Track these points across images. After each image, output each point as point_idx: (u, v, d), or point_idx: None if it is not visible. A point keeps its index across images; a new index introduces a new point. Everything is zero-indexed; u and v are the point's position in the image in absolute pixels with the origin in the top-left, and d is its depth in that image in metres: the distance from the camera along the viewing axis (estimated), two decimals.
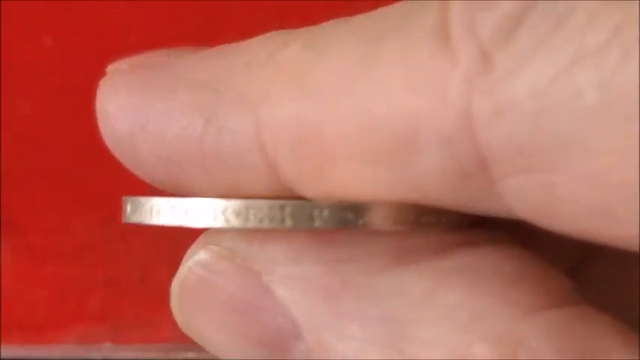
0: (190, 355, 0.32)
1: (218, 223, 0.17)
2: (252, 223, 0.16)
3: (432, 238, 0.17)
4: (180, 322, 0.18)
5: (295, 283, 0.17)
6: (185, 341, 0.32)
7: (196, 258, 0.18)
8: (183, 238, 0.32)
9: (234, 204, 0.16)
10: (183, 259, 0.18)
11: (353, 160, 0.16)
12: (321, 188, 0.16)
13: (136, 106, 0.18)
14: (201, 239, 0.18)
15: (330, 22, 0.17)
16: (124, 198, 0.18)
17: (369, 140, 0.15)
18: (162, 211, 0.17)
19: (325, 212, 0.16)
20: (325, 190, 0.16)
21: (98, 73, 0.31)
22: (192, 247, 0.18)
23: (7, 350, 0.32)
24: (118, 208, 0.32)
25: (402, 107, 0.15)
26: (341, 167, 0.16)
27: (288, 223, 0.16)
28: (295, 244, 0.17)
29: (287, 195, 0.17)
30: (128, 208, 0.18)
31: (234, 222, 0.16)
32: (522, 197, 0.15)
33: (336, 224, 0.16)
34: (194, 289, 0.18)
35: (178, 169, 0.17)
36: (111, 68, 0.19)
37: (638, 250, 0.14)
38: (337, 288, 0.17)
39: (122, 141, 0.18)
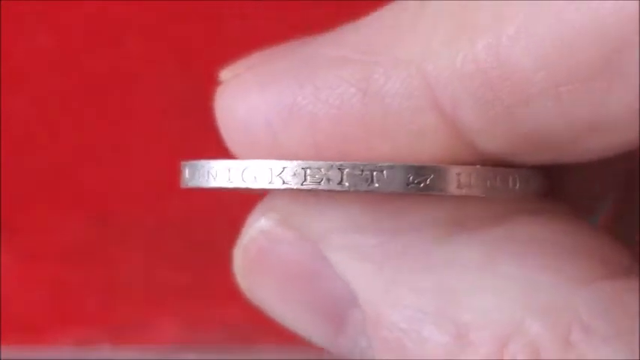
0: (191, 356, 0.32)
1: (275, 184, 0.16)
2: (309, 185, 0.16)
3: (486, 206, 0.16)
4: (243, 289, 0.18)
5: (351, 253, 0.17)
6: (185, 342, 0.32)
7: (257, 226, 0.18)
8: (183, 238, 0.32)
9: (291, 164, 0.16)
10: (245, 226, 0.18)
11: (552, 91, 0.15)
12: (510, 133, 0.15)
13: (276, 94, 0.17)
14: (261, 206, 0.18)
15: None
16: (182, 163, 0.18)
17: (569, 61, 0.14)
18: (218, 174, 0.17)
19: (385, 173, 0.16)
20: (515, 134, 0.15)
21: (97, 73, 0.31)
22: (254, 214, 0.18)
23: (7, 352, 0.31)
24: (118, 209, 0.32)
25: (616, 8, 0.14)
26: (536, 103, 0.15)
27: (346, 184, 0.16)
28: (351, 213, 0.17)
29: (466, 154, 0.16)
30: (186, 172, 0.18)
31: (291, 183, 0.16)
32: None
33: (396, 187, 0.16)
34: (255, 257, 0.18)
35: (333, 151, 0.17)
36: (225, 74, 0.18)
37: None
38: (392, 258, 0.16)
39: (259, 136, 0.17)
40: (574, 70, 0.14)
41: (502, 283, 0.16)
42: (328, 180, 0.16)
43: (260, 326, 0.31)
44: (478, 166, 0.16)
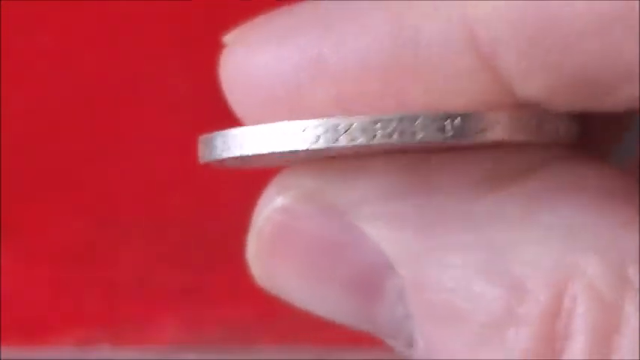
0: (191, 356, 0.31)
1: (342, 142, 0.15)
2: (379, 139, 0.15)
3: (518, 158, 0.16)
4: (258, 277, 0.18)
5: (385, 221, 0.16)
6: (185, 342, 0.32)
7: (274, 205, 0.17)
8: (183, 238, 0.32)
9: (360, 119, 0.15)
10: (256, 211, 0.17)
11: (599, 31, 0.14)
12: (551, 76, 0.15)
13: (297, 46, 0.16)
14: (275, 185, 0.17)
15: None
16: (210, 134, 0.16)
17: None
18: (272, 138, 0.15)
19: (458, 122, 0.15)
20: (556, 77, 0.15)
21: (97, 72, 0.31)
22: (266, 196, 0.17)
23: (6, 352, 0.31)
24: (118, 209, 0.32)
25: None
26: (582, 44, 0.15)
27: (419, 136, 0.15)
28: (380, 180, 0.16)
29: (501, 100, 0.15)
30: (219, 142, 0.16)
31: (360, 139, 0.15)
32: None
33: (468, 137, 0.15)
34: (273, 237, 0.17)
35: (362, 102, 0.16)
36: (230, 38, 0.17)
37: None
38: (431, 220, 0.16)
39: (279, 94, 0.16)
40: (623, 9, 0.14)
41: (549, 231, 0.16)
42: (401, 133, 0.15)
43: (260, 326, 0.31)
44: (538, 110, 0.15)
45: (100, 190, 0.32)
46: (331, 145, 0.15)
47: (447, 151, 0.16)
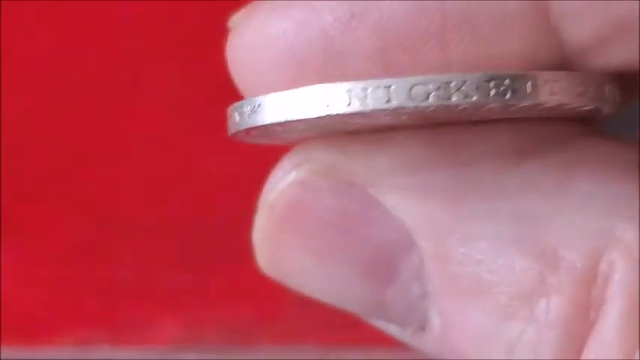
0: (191, 356, 0.31)
1: (455, 100, 0.14)
2: (493, 98, 0.14)
3: (546, 131, 0.16)
4: (263, 259, 0.17)
5: (411, 192, 0.16)
6: (185, 342, 0.32)
7: (289, 179, 0.16)
8: (183, 238, 0.32)
9: (473, 76, 0.14)
10: (268, 186, 0.17)
11: None
12: (602, 15, 0.14)
13: (330, 6, 0.15)
14: (287, 161, 0.17)
15: None
16: (272, 96, 0.15)
17: None
18: (370, 95, 0.14)
19: (561, 84, 0.15)
20: (606, 17, 0.14)
21: (97, 73, 0.31)
22: (279, 170, 0.17)
23: (6, 352, 0.31)
24: (118, 209, 0.32)
25: None
26: None
27: (531, 95, 0.14)
28: (404, 153, 0.16)
29: (548, 49, 0.15)
30: (293, 102, 0.15)
31: (475, 97, 0.14)
32: None
33: (568, 99, 0.15)
34: (287, 213, 0.16)
35: (405, 53, 0.15)
36: (237, 17, 0.16)
37: None
38: (457, 191, 0.16)
39: (312, 54, 0.15)
40: None
41: (585, 200, 0.15)
42: (514, 91, 0.14)
43: (260, 326, 0.31)
44: (584, 73, 0.15)
45: (100, 190, 0.32)
46: (444, 103, 0.14)
47: (474, 124, 0.16)
